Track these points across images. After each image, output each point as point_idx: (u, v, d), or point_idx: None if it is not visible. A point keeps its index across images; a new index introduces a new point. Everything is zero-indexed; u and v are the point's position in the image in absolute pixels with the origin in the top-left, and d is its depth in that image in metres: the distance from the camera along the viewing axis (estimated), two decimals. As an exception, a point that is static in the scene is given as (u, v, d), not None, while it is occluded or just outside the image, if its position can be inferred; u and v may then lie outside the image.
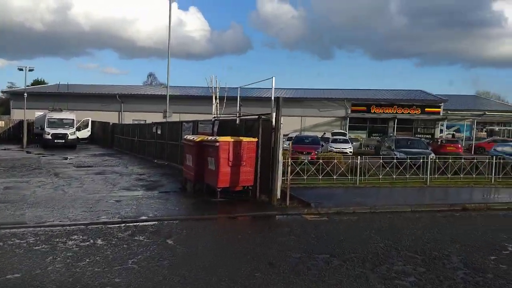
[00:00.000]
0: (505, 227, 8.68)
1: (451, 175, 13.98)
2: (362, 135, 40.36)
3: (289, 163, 10.27)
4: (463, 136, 41.00)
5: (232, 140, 10.52)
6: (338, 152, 30.05)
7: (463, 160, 14.38)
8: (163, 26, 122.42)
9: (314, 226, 8.30)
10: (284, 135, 35.40)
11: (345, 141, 31.28)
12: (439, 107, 39.22)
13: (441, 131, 41.75)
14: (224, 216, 9.23)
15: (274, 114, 10.28)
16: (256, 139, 10.88)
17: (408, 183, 13.37)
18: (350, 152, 30.16)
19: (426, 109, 39.13)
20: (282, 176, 10.65)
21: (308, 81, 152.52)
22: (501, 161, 14.24)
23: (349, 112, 40.35)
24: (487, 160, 14.39)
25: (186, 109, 37.60)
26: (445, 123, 40.12)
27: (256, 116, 11.16)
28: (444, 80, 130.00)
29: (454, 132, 43.20)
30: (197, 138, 11.65)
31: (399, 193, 12.36)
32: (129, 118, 41.55)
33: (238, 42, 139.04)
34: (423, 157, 14.09)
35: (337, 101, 40.81)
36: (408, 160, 14.04)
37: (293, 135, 32.00)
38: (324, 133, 36.22)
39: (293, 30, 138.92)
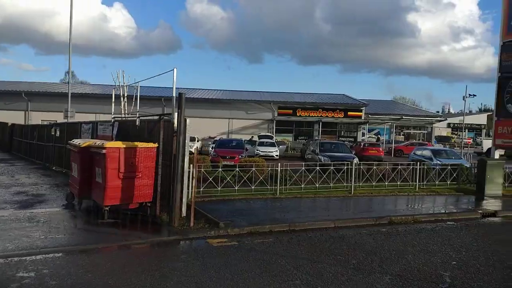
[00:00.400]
0: (436, 247, 7.59)
1: (376, 182, 13.04)
2: (289, 138, 39.75)
3: (194, 175, 8.38)
4: (383, 139, 42.12)
5: (124, 146, 8.41)
6: (265, 156, 29.03)
7: (387, 167, 13.54)
8: (85, 21, 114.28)
9: (218, 255, 6.52)
10: (210, 138, 33.69)
11: (272, 145, 30.21)
12: (361, 111, 39.81)
13: (363, 134, 42.55)
14: (105, 245, 7.09)
15: (176, 114, 8.36)
16: (156, 145, 8.87)
17: (331, 192, 12.16)
18: (277, 155, 29.14)
19: (349, 112, 39.50)
20: (196, 188, 8.74)
21: (237, 84, 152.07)
22: (425, 167, 13.62)
23: (276, 115, 39.52)
24: (411, 167, 13.68)
25: (99, 109, 33.91)
26: (367, 126, 40.85)
27: (157, 117, 9.15)
28: (364, 86, 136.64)
29: (379, 136, 44.33)
30: (83, 143, 9.31)
31: (322, 205, 11.05)
32: (38, 118, 36.87)
33: (166, 41, 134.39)
34: (347, 163, 12.99)
35: (264, 103, 39.77)
36: (332, 167, 12.83)
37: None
38: (252, 136, 34.90)
39: (222, 32, 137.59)
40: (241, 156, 20.73)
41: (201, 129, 36.74)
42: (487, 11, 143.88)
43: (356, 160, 19.44)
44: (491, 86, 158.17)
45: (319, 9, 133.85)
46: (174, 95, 8.59)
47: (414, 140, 42.00)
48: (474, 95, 42.85)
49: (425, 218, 10.00)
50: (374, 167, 13.31)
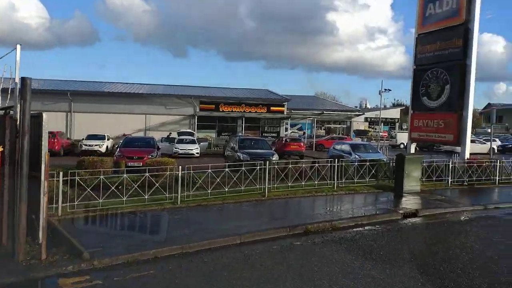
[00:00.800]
0: (358, 264, 6.21)
1: (292, 182, 11.61)
2: (212, 134, 37.78)
3: (45, 189, 6.10)
4: (305, 134, 41.94)
5: None
6: (184, 154, 26.85)
7: (304, 165, 12.18)
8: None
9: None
10: (125, 135, 30.34)
11: (192, 142, 28.06)
12: (283, 106, 39.07)
13: (286, 129, 42.03)
14: None
15: (19, 108, 6.04)
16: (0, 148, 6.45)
17: (243, 196, 10.49)
18: (197, 153, 27.10)
19: (271, 108, 38.54)
20: (55, 204, 6.51)
21: (162, 78, 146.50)
22: (343, 164, 12.51)
23: (198, 110, 37.29)
24: (328, 164, 12.51)
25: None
26: (289, 121, 40.31)
27: (2, 112, 6.70)
28: (287, 82, 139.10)
29: (304, 131, 44.08)
30: None
31: (230, 214, 9.33)
32: None
33: (83, 33, 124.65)
34: (262, 162, 11.42)
35: (184, 98, 37.29)
36: (244, 168, 11.15)
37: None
38: (170, 133, 32.37)
39: (144, 25, 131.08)
40: (151, 156, 18.31)
41: (115, 126, 33.48)
42: (398, 12, 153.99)
43: (275, 157, 18.17)
44: (403, 83, 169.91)
45: (244, 6, 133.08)
46: (16, 81, 6.21)
47: (334, 134, 42.40)
48: (389, 90, 44.43)
49: (344, 223, 8.73)
50: (290, 166, 11.89)
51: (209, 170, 10.35)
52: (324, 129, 50.06)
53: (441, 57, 15.80)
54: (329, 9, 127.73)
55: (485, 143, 32.88)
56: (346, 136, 40.30)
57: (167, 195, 9.56)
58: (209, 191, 10.07)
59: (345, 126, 49.47)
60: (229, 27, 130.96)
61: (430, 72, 16.27)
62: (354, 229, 8.46)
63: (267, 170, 10.83)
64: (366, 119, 63.84)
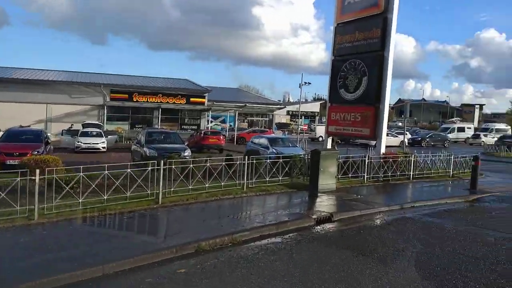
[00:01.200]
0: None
1: (193, 185, 9.74)
2: (125, 126, 34.48)
3: None
4: (227, 127, 40.37)
5: None
6: (88, 148, 23.66)
7: (208, 164, 10.36)
8: None
9: None
10: (21, 127, 25.83)
11: (98, 135, 24.89)
12: (203, 97, 36.98)
13: (210, 122, 40.06)
14: None
15: None
16: None
17: (128, 204, 8.40)
18: (104, 147, 24.09)
19: (191, 99, 36.24)
20: None
21: (79, 66, 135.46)
22: (254, 161, 10.95)
23: (108, 99, 33.71)
24: (238, 162, 10.86)
25: None
26: (210, 113, 38.36)
27: None
28: (213, 74, 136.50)
29: (226, 124, 42.31)
30: None
31: (101, 231, 7.19)
32: None
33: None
34: (152, 163, 9.41)
35: (92, 86, 33.45)
36: (129, 170, 9.03)
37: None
38: (72, 125, 28.71)
39: (60, 9, 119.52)
40: (38, 152, 15.29)
41: (11, 116, 28.83)
42: (321, 10, 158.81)
43: (187, 153, 16.22)
44: (325, 78, 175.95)
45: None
46: None
47: (257, 127, 41.42)
48: (309, 83, 44.65)
49: (247, 235, 7.14)
50: (191, 165, 10.00)
51: (81, 174, 8.04)
52: (246, 122, 48.97)
53: (359, 47, 14.98)
54: (255, 3, 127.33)
55: (397, 136, 34.03)
56: (267, 130, 39.48)
57: (18, 208, 7.14)
58: (80, 200, 7.82)
59: (267, 119, 48.86)
60: (153, 15, 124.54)
61: (348, 63, 15.41)
62: (259, 243, 6.91)
63: (161, 171, 8.84)
64: (288, 113, 64.14)
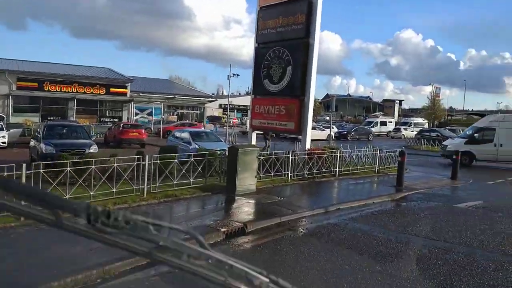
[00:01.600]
0: None
1: (73, 194, 7.54)
2: (34, 119, 30.26)
3: None
4: (153, 120, 37.48)
5: None
6: (-18, 144, 20.00)
7: (93, 166, 8.20)
8: None
9: None
10: None
11: (-2, 128, 21.11)
12: (125, 87, 33.75)
13: (136, 114, 36.88)
14: None
15: None
16: None
17: None
18: (4, 143, 20.44)
19: (112, 89, 32.83)
20: None
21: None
22: (157, 161, 8.97)
23: (14, 88, 29.32)
24: (135, 162, 8.80)
25: None
26: (134, 105, 35.23)
27: None
28: (144, 65, 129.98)
29: (153, 117, 39.23)
30: None
31: None
32: None
33: None
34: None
35: (-5, 73, 28.87)
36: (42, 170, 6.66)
37: None
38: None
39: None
40: None
41: None
42: (252, 4, 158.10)
43: (93, 149, 13.83)
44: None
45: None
46: None
47: (187, 120, 39.06)
48: (238, 75, 43.28)
49: (119, 267, 5.19)
50: (68, 168, 7.79)
51: None
52: (176, 115, 46.29)
53: (283, 34, 13.57)
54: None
55: (324, 130, 33.84)
56: (196, 123, 37.31)
57: None
58: None
59: (198, 112, 46.58)
60: (78, 1, 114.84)
61: (272, 52, 13.96)
62: (125, 278, 5.04)
63: (24, 174, 6.59)
64: (220, 106, 62.27)
